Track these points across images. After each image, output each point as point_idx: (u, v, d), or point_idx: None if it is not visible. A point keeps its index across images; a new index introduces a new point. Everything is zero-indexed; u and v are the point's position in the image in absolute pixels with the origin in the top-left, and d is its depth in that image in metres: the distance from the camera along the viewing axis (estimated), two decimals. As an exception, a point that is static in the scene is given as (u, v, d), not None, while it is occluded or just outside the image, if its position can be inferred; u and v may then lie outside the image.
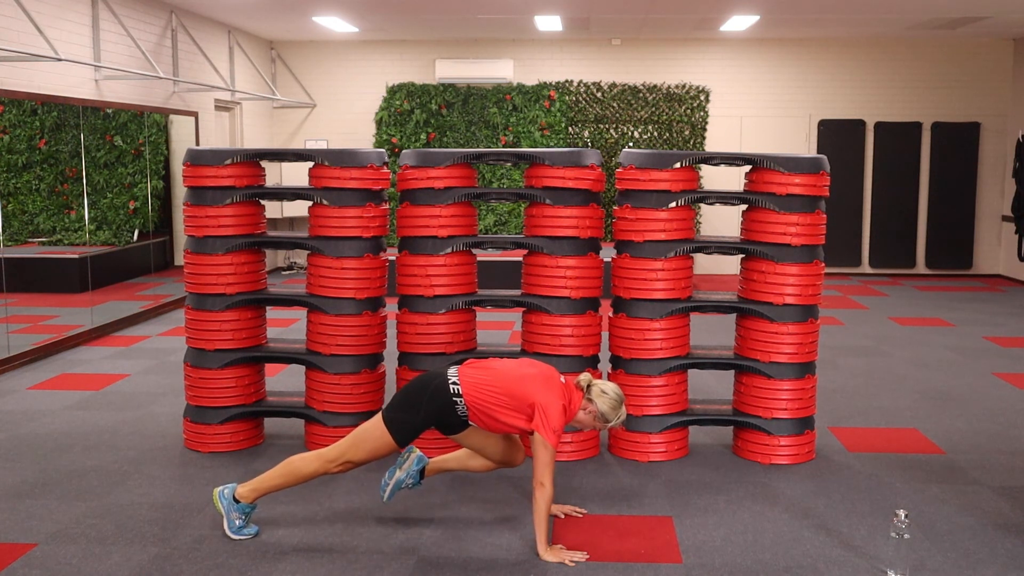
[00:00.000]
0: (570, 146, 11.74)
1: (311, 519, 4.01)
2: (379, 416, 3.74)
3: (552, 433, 3.59)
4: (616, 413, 3.73)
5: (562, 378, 3.76)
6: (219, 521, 3.94)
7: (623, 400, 3.77)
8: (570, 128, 11.93)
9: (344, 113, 12.17)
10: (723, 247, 4.85)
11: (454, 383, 3.71)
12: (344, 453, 3.72)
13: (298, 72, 12.13)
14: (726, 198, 4.83)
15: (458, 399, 3.70)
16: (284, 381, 6.38)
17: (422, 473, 4.00)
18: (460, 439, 3.92)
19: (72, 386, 6.24)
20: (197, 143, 9.78)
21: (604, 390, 3.74)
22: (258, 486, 3.79)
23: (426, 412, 3.72)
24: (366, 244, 4.78)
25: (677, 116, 11.86)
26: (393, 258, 5.48)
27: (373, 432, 3.71)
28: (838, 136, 11.89)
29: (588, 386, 3.75)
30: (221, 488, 3.85)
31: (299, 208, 11.59)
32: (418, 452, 3.99)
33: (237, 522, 3.79)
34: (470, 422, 3.79)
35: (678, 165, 4.70)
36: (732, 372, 6.16)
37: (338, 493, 4.30)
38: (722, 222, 11.89)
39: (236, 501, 3.80)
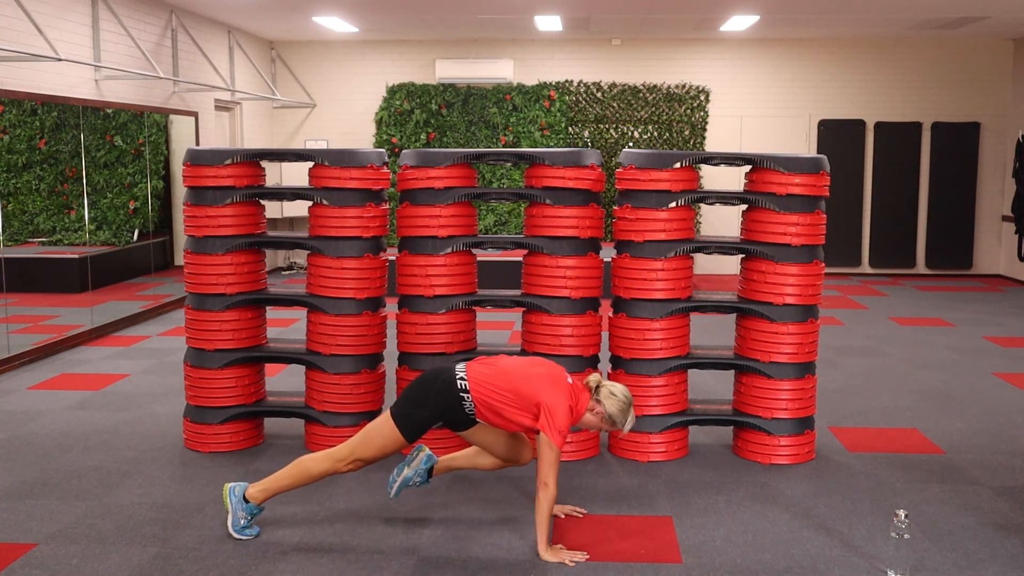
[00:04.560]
0: (570, 146, 11.74)
1: (311, 519, 4.01)
2: (387, 412, 3.74)
3: (557, 433, 3.58)
4: (625, 416, 3.70)
5: (570, 378, 3.74)
6: (220, 521, 3.94)
7: (632, 403, 3.74)
8: (570, 128, 11.93)
9: (344, 113, 12.17)
10: (723, 247, 4.85)
11: (461, 379, 3.71)
12: (353, 451, 3.72)
13: (298, 72, 12.13)
14: (726, 198, 4.83)
15: (465, 395, 3.70)
16: (284, 381, 6.38)
17: (430, 472, 4.00)
18: (468, 436, 3.93)
19: (72, 386, 6.24)
20: (197, 143, 9.78)
21: (613, 391, 3.72)
22: (268, 487, 3.79)
23: (433, 407, 3.71)
24: (366, 244, 4.78)
25: (677, 116, 11.86)
26: (393, 258, 5.48)
27: (382, 429, 3.70)
28: (838, 136, 11.89)
29: (597, 387, 3.73)
30: (233, 485, 3.86)
31: (299, 208, 11.59)
32: (427, 451, 3.99)
33: (242, 521, 3.79)
34: (477, 419, 3.79)
35: (678, 165, 4.70)
36: (732, 372, 6.16)
37: (338, 493, 4.30)
38: (722, 222, 11.89)
39: (245, 500, 3.80)
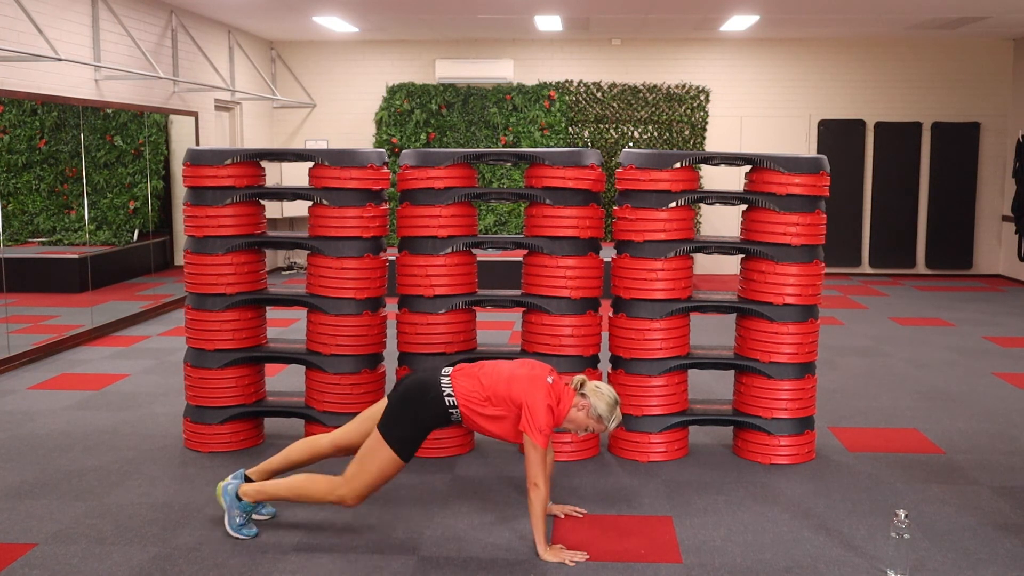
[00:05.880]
0: (570, 146, 11.74)
1: (311, 519, 4.01)
2: (379, 437, 3.65)
3: (538, 433, 3.58)
4: (612, 412, 3.70)
5: (550, 378, 3.72)
6: (219, 521, 3.94)
7: (618, 401, 3.75)
8: (570, 128, 11.93)
9: (344, 113, 12.17)
10: (723, 247, 4.85)
11: (449, 395, 3.69)
12: (356, 489, 3.64)
13: (298, 72, 12.13)
14: (726, 198, 4.83)
15: (454, 410, 3.71)
16: (284, 381, 6.38)
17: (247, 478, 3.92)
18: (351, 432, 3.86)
19: (72, 386, 6.24)
20: (197, 143, 9.78)
21: (599, 387, 3.74)
22: (264, 490, 3.78)
23: (424, 426, 3.71)
24: (366, 244, 4.78)
25: (677, 116, 11.86)
26: (393, 258, 5.48)
27: (378, 454, 3.63)
28: (838, 136, 11.89)
29: (582, 384, 3.74)
30: (225, 483, 3.86)
31: (299, 208, 11.59)
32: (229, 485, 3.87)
33: (238, 519, 3.79)
34: (463, 424, 3.79)
35: (678, 165, 4.70)
36: (732, 372, 6.16)
37: (338, 493, 4.30)
38: (722, 222, 11.89)
39: (239, 499, 3.80)
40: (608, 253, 5.09)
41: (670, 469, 4.69)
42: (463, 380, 3.73)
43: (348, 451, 3.87)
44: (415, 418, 3.69)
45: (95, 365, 6.85)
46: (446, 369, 3.82)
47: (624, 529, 3.93)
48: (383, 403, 3.81)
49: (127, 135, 8.59)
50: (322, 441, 3.90)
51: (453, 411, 3.71)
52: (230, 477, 3.93)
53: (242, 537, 3.79)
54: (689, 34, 11.46)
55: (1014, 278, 11.70)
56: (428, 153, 4.72)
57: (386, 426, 3.67)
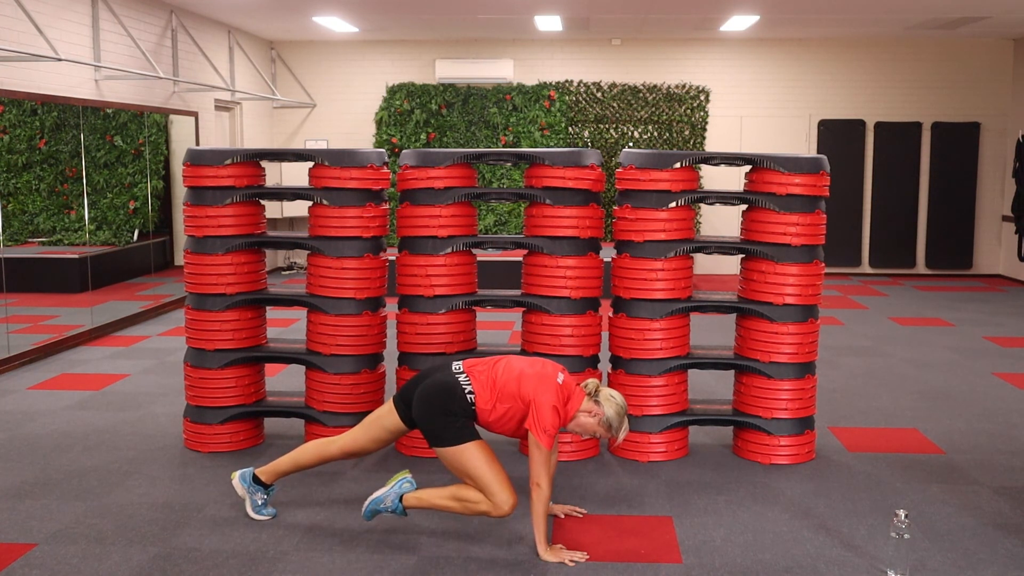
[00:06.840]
0: (570, 146, 11.74)
1: (311, 519, 4.01)
2: (448, 452, 3.61)
3: (543, 433, 3.57)
4: (621, 421, 3.69)
5: (560, 378, 3.72)
6: (219, 521, 3.95)
7: (627, 411, 3.75)
8: (570, 128, 11.93)
9: (344, 113, 12.17)
10: (723, 247, 4.85)
11: (469, 393, 3.68)
12: (491, 496, 3.58)
13: (298, 72, 12.13)
14: (726, 198, 4.83)
15: (473, 407, 3.70)
16: (284, 381, 6.38)
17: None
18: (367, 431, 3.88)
19: (72, 386, 6.24)
20: (197, 143, 9.78)
21: (612, 395, 3.72)
22: (423, 498, 3.74)
23: (462, 414, 3.69)
24: (366, 244, 4.78)
25: (677, 116, 11.86)
26: (393, 258, 5.48)
27: (465, 458, 3.59)
28: (838, 136, 11.89)
29: (596, 390, 3.72)
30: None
31: (299, 208, 11.59)
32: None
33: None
34: (477, 423, 3.77)
35: (678, 165, 4.70)
36: (732, 372, 6.16)
37: (338, 492, 4.30)
38: (722, 222, 11.89)
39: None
40: (608, 253, 5.09)
41: (670, 469, 4.69)
42: (479, 379, 3.70)
43: (356, 456, 3.98)
44: (450, 414, 3.65)
45: (95, 365, 6.86)
46: (457, 364, 3.78)
47: (624, 529, 3.93)
48: (389, 407, 3.82)
49: (127, 135, 8.60)
50: (332, 447, 3.91)
51: (473, 407, 3.69)
52: (237, 471, 4.07)
53: (263, 517, 3.96)
54: (689, 34, 11.46)
55: (1014, 278, 11.70)
56: (428, 153, 4.72)
57: (441, 440, 3.64)
